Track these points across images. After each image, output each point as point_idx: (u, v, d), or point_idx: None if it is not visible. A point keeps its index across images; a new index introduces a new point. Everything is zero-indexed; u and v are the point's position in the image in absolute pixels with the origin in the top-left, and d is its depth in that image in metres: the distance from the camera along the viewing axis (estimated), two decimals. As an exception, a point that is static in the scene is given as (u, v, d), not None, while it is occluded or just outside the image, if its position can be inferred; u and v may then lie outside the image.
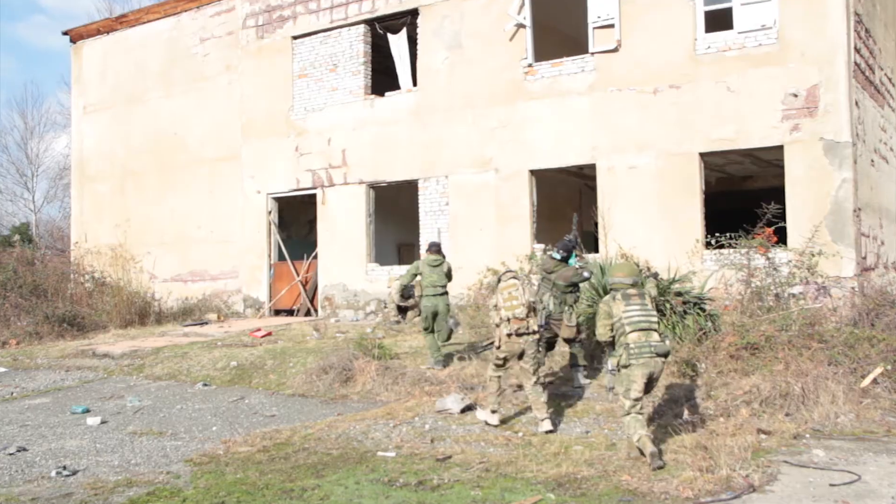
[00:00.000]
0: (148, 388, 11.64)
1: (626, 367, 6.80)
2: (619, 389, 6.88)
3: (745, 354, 9.08)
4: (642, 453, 6.64)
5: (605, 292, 10.11)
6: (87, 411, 9.95)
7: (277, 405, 10.05)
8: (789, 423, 7.61)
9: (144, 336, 15.73)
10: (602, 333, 7.10)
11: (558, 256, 9.65)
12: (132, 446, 8.09)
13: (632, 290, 7.00)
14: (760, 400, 8.04)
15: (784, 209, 12.03)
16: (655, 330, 6.87)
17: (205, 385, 11.53)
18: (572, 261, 9.74)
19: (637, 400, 6.76)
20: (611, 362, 6.99)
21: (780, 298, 10.91)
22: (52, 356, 14.42)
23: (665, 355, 6.83)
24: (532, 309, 7.96)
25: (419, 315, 11.14)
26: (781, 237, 11.79)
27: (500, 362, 8.05)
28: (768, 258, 11.34)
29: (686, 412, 8.08)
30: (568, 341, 9.63)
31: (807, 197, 12.12)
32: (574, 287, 9.54)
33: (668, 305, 9.97)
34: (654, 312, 6.96)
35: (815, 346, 8.88)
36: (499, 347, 7.98)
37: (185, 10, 19.71)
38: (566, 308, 9.47)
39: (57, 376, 12.84)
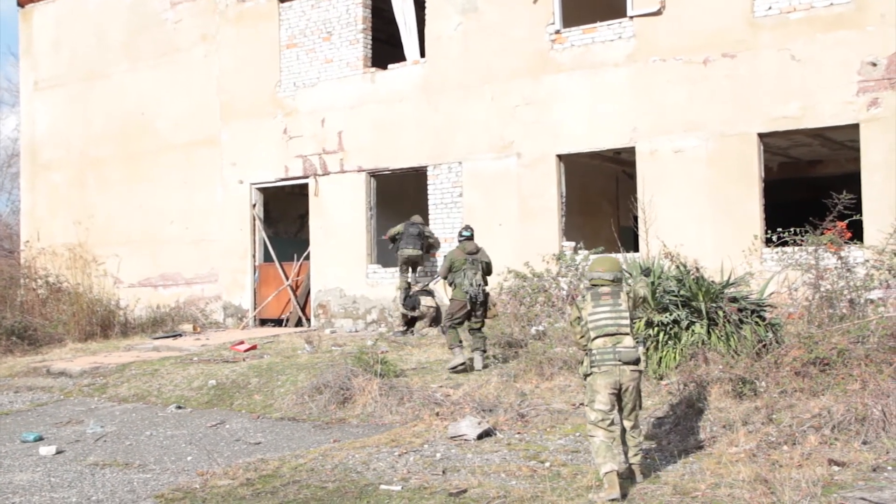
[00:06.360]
0: (112, 411, 11.69)
1: (588, 375, 7.04)
2: (584, 399, 7.14)
3: (813, 371, 9.01)
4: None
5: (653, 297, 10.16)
6: (39, 439, 9.99)
7: (263, 431, 10.07)
8: (867, 452, 7.55)
9: (108, 350, 15.79)
10: (577, 342, 7.40)
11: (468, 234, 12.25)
12: (93, 480, 8.12)
13: (604, 289, 7.15)
14: (832, 425, 7.97)
15: (860, 199, 11.96)
16: (627, 334, 7.03)
17: (178, 408, 11.58)
18: None
19: (604, 413, 6.89)
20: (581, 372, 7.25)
21: (855, 305, 10.83)
22: (-1, 375, 14.51)
23: (634, 363, 6.98)
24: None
25: (429, 325, 11.31)
26: (857, 233, 11.71)
27: None
28: (841, 257, 11.25)
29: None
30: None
31: (887, 185, 12.04)
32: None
33: (721, 313, 9.95)
34: (627, 315, 7.09)
35: (897, 361, 8.81)
36: None
37: (154, -30, 19.81)
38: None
39: (4, 399, 12.91)
